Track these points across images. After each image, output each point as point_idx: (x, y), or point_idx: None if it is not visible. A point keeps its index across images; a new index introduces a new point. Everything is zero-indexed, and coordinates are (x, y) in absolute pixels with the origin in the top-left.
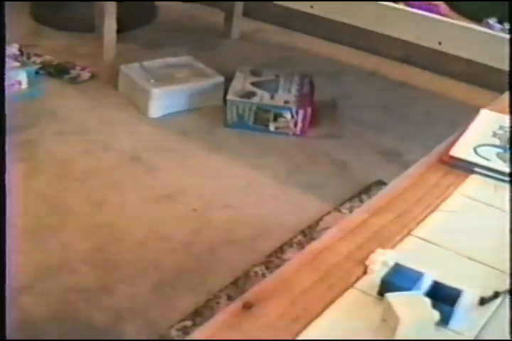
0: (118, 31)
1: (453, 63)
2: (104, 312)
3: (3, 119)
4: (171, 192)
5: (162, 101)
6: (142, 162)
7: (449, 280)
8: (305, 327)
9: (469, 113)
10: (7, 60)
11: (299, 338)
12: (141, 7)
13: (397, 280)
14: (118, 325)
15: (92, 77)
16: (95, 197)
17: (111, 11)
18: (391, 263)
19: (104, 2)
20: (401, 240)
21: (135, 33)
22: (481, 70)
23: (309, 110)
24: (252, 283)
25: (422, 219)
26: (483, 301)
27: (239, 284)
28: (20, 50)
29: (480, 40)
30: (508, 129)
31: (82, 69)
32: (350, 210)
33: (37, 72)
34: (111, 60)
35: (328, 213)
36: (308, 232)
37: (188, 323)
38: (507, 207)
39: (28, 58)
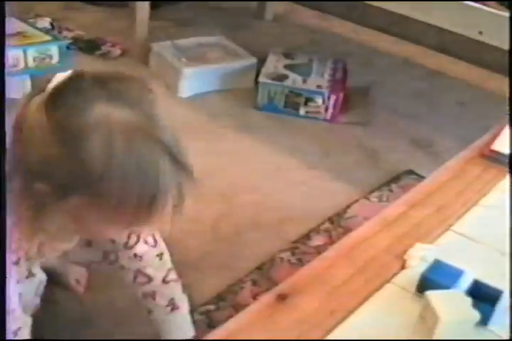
0: (151, 8)
1: (489, 54)
2: (126, 294)
3: (3, 122)
4: (197, 174)
5: (193, 80)
6: None
7: (488, 279)
8: (340, 322)
9: (504, 105)
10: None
11: (333, 334)
12: None
13: (437, 277)
14: (138, 307)
15: (123, 53)
16: None
17: None
18: (430, 259)
19: None
20: (440, 235)
21: (168, 10)
22: None
23: (341, 95)
24: (277, 269)
25: (462, 214)
26: None
27: (264, 269)
28: (51, 24)
29: None
30: None
31: (113, 46)
32: (380, 199)
33: (68, 47)
34: (142, 37)
35: (357, 201)
36: (336, 220)
37: (211, 307)
38: None
39: (60, 32)
